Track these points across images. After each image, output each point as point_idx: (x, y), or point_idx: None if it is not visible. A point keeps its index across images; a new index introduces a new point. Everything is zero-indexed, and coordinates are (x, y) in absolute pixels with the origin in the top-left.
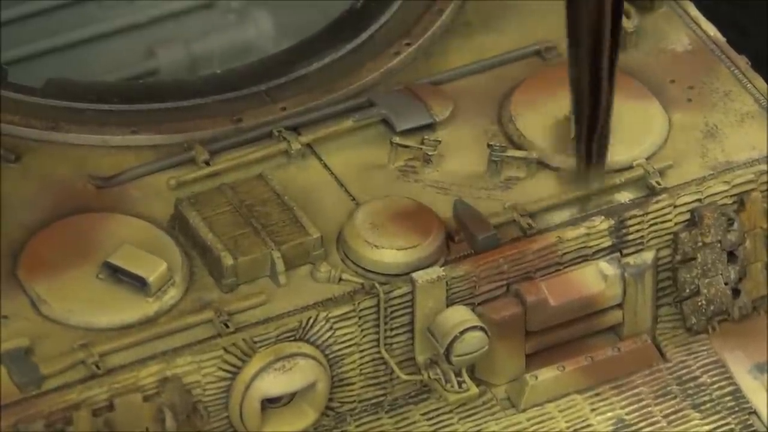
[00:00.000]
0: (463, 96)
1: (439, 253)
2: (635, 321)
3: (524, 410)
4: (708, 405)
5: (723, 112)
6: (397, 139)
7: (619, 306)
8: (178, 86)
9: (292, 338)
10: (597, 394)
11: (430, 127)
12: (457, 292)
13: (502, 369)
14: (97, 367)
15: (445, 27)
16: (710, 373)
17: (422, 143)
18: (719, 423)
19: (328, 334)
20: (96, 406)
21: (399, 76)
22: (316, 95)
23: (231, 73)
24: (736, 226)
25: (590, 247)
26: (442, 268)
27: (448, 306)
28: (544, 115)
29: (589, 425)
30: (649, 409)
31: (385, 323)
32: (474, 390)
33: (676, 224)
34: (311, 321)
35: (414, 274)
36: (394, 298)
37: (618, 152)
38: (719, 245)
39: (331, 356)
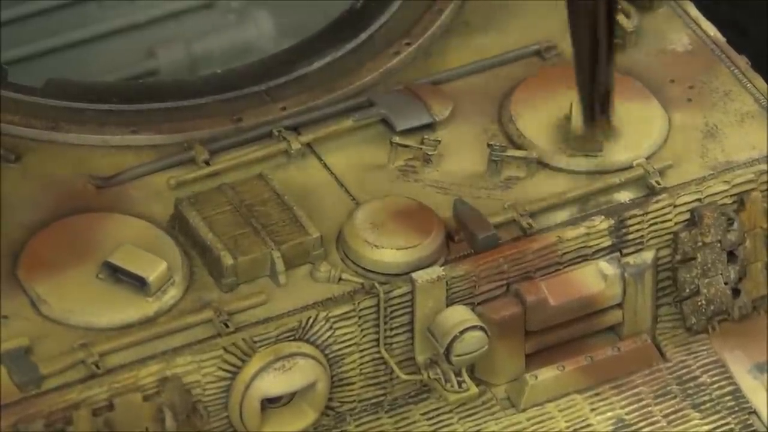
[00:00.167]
0: (463, 96)
1: (439, 252)
2: (635, 321)
3: (524, 410)
4: (708, 405)
5: (723, 111)
6: (396, 139)
7: (619, 306)
8: (178, 86)
9: (292, 338)
10: (597, 394)
11: (430, 126)
12: (457, 292)
13: (501, 369)
14: (97, 366)
15: (444, 27)
16: (710, 373)
17: (422, 143)
18: (719, 423)
19: (328, 333)
20: (96, 405)
21: (399, 76)
22: (316, 95)
23: (231, 73)
24: (736, 225)
25: (590, 246)
26: (442, 267)
27: (447, 306)
28: (544, 114)
29: (588, 425)
30: (649, 408)
31: (385, 323)
32: (474, 390)
33: (676, 224)
34: (311, 321)
35: (414, 274)
36: (394, 297)
37: (618, 152)
38: (719, 245)
39: (330, 356)
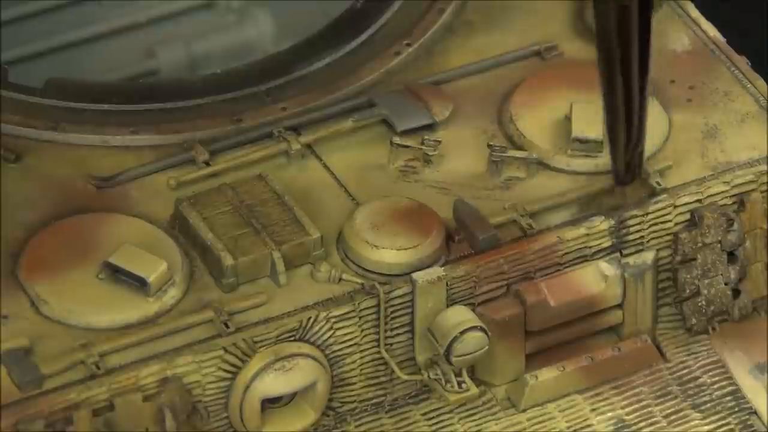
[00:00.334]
0: (464, 96)
1: (440, 253)
2: (635, 321)
3: (524, 410)
4: (708, 405)
5: (723, 112)
6: (397, 140)
7: (619, 306)
8: (179, 86)
9: (293, 338)
10: (597, 394)
11: (431, 127)
12: (458, 292)
13: (502, 369)
14: (97, 367)
15: (445, 27)
16: (710, 374)
17: (422, 143)
18: (719, 423)
19: (329, 334)
20: (96, 406)
21: (399, 77)
22: (317, 95)
23: (231, 73)
24: (736, 226)
25: (590, 247)
26: (443, 268)
27: (448, 306)
28: (545, 115)
29: (589, 425)
30: (650, 409)
31: (386, 323)
32: (474, 390)
33: (676, 224)
34: (311, 321)
35: (414, 274)
36: (395, 298)
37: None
38: (719, 246)
39: (331, 356)
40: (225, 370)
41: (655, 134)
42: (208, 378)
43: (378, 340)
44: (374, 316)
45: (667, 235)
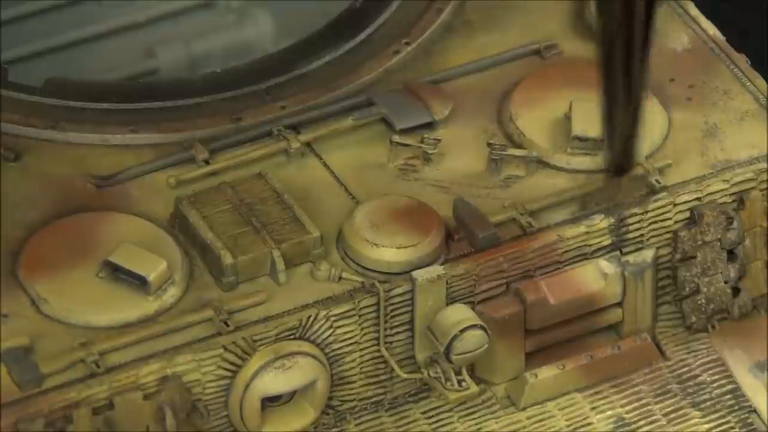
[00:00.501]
0: (463, 95)
1: (439, 251)
2: (635, 319)
3: (524, 409)
4: (708, 403)
5: (723, 110)
6: (396, 138)
7: (619, 304)
8: (178, 85)
9: (292, 337)
10: (597, 393)
11: (430, 125)
12: (457, 291)
13: (501, 367)
14: (97, 365)
15: (444, 26)
16: (710, 372)
17: (422, 142)
18: (719, 421)
19: (328, 332)
20: (96, 404)
21: (399, 75)
22: (316, 94)
23: (231, 72)
24: (735, 224)
25: (590, 245)
26: (442, 266)
27: (448, 304)
28: (544, 113)
29: (589, 423)
30: (649, 407)
31: (385, 322)
32: (474, 388)
33: (675, 223)
34: (311, 319)
35: (414, 273)
36: (394, 296)
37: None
38: (719, 244)
39: (331, 355)
40: (225, 369)
41: (655, 133)
42: (208, 376)
43: (378, 339)
44: (374, 315)
45: (667, 233)
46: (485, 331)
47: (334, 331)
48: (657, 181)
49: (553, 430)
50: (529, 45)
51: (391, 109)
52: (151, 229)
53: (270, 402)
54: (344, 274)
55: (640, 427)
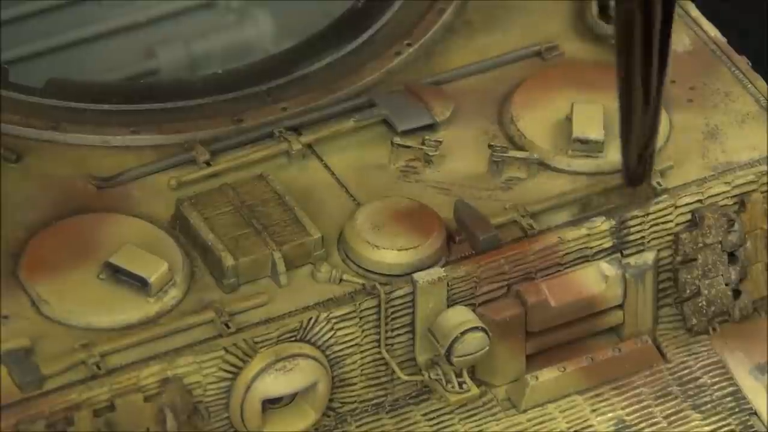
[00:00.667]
0: (464, 96)
1: (440, 253)
2: (636, 322)
3: (525, 411)
4: (708, 406)
5: (724, 112)
6: (398, 140)
7: (620, 307)
8: (179, 86)
9: (293, 339)
10: (598, 395)
11: (431, 127)
12: (458, 293)
13: (502, 369)
14: (98, 367)
15: (446, 27)
16: (711, 374)
17: (423, 144)
18: (720, 424)
19: (329, 334)
20: (97, 406)
21: (400, 77)
22: (317, 95)
23: (232, 73)
24: (736, 227)
25: (591, 247)
26: (443, 268)
27: (448, 306)
28: (545, 115)
29: (589, 426)
30: (650, 409)
31: (386, 324)
32: (475, 390)
33: (676, 225)
34: (312, 321)
35: (415, 275)
36: (395, 298)
37: (618, 152)
38: (720, 246)
39: (331, 357)
40: (226, 371)
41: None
42: (209, 378)
43: (379, 341)
44: (375, 317)
45: (668, 235)
46: (486, 333)
47: (335, 333)
48: (658, 183)
49: None
50: (531, 46)
51: (393, 111)
52: (152, 230)
53: (271, 404)
54: (345, 276)
55: (641, 429)
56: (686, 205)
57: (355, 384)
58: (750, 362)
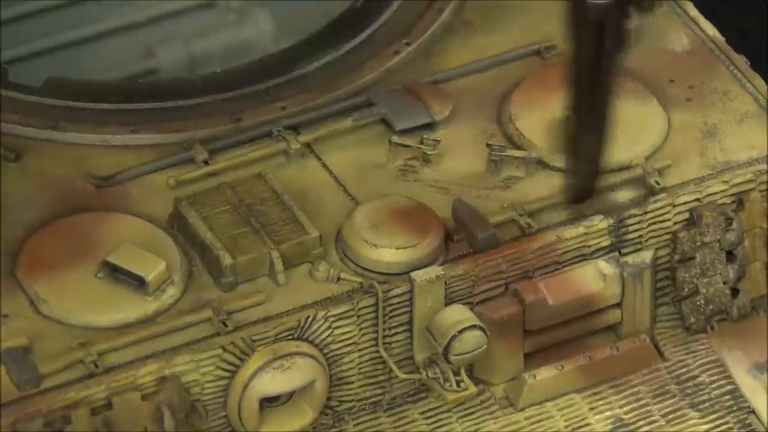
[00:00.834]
0: (463, 95)
1: (438, 252)
2: (634, 320)
3: (522, 409)
4: (706, 404)
5: (722, 111)
6: (396, 139)
7: (618, 305)
8: (178, 85)
9: (291, 337)
10: (595, 393)
11: (430, 126)
12: (456, 291)
13: (500, 368)
14: (96, 365)
15: (444, 26)
16: (709, 373)
17: (421, 143)
18: (718, 422)
19: (327, 333)
20: (95, 404)
21: (398, 76)
22: (316, 94)
23: (230, 73)
24: (735, 225)
25: (589, 246)
26: (441, 267)
27: (446, 305)
28: (544, 114)
29: (587, 424)
30: (648, 408)
31: (384, 322)
32: (472, 389)
33: (674, 224)
34: (310, 320)
35: (413, 274)
36: (393, 297)
37: (617, 152)
38: (718, 245)
39: (329, 355)
40: (223, 369)
41: (654, 133)
42: (207, 377)
43: (376, 339)
44: (373, 315)
45: (666, 234)
46: (484, 331)
47: (332, 331)
48: (656, 182)
49: (551, 430)
50: (529, 45)
51: (391, 110)
52: (150, 229)
53: (268, 402)
54: (343, 275)
55: (639, 427)
56: (684, 203)
57: (352, 382)
58: (748, 361)
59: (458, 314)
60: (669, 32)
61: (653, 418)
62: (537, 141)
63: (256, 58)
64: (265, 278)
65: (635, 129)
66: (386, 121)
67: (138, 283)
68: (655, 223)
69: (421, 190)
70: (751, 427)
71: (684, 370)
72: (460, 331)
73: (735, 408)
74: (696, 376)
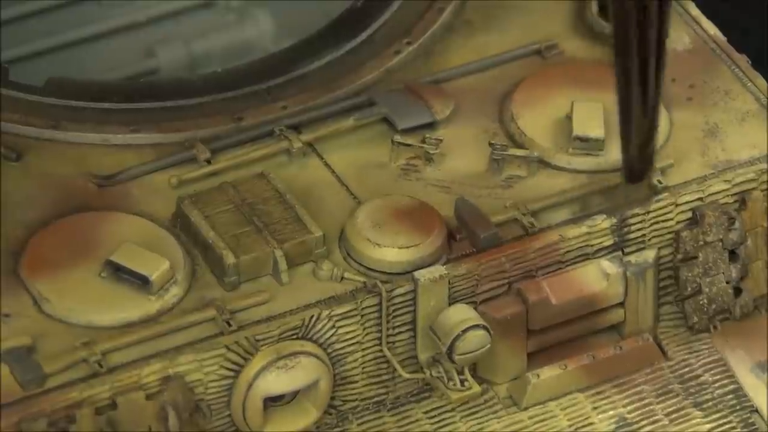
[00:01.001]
0: (464, 95)
1: (441, 251)
2: (637, 319)
3: (526, 408)
4: (709, 403)
5: (724, 110)
6: (398, 138)
7: (621, 304)
8: (179, 85)
9: (295, 336)
10: (599, 393)
11: (432, 125)
12: (459, 291)
13: (504, 367)
14: (100, 365)
15: (445, 26)
16: (712, 372)
17: (423, 142)
18: (721, 421)
19: (331, 332)
20: (99, 404)
21: (400, 75)
22: (317, 94)
23: (232, 72)
24: (737, 224)
25: (592, 245)
26: (444, 266)
27: (450, 304)
28: (545, 113)
29: (590, 423)
30: (651, 407)
31: (387, 322)
32: (476, 388)
33: (677, 223)
34: (313, 319)
35: (416, 273)
36: (396, 296)
37: (619, 151)
38: (720, 244)
39: (333, 354)
40: (227, 369)
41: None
42: (211, 376)
43: (380, 339)
44: (376, 315)
45: (669, 233)
46: (487, 331)
47: (336, 330)
48: (659, 181)
49: (555, 430)
50: (530, 45)
51: (393, 109)
52: (152, 228)
53: (272, 402)
54: (346, 274)
55: (642, 427)
56: (687, 203)
57: (356, 382)
58: (751, 360)
59: (462, 313)
60: (670, 32)
61: (656, 417)
62: (539, 140)
63: (258, 58)
64: (269, 277)
65: None
66: (388, 121)
67: (141, 282)
68: (657, 222)
69: (424, 189)
70: (754, 426)
71: (687, 369)
72: (464, 331)
73: (738, 407)
74: (699, 376)
